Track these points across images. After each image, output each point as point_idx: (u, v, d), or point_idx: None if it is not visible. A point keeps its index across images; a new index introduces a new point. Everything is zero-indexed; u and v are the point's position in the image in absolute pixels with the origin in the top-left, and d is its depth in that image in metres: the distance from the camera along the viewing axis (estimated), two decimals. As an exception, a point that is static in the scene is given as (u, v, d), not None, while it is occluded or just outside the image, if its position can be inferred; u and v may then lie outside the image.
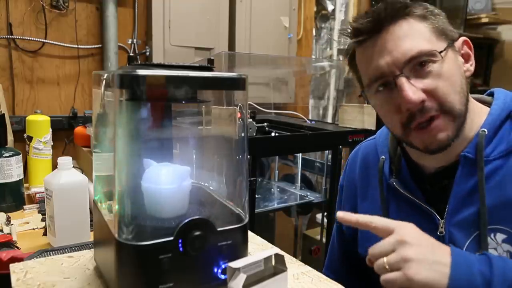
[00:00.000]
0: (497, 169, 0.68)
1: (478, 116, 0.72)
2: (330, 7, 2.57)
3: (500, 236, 0.66)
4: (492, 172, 0.68)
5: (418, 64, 0.66)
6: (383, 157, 0.82)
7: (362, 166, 0.88)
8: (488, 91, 0.79)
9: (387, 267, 0.59)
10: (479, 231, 0.67)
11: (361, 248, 0.85)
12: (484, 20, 2.81)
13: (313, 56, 2.59)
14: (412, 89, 0.66)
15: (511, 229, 0.65)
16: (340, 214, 0.65)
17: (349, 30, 0.72)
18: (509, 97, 0.74)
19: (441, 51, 0.67)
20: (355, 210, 0.88)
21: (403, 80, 0.66)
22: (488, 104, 0.75)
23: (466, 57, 0.73)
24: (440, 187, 0.74)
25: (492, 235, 0.67)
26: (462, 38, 0.73)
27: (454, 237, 0.70)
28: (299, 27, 2.41)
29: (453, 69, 0.68)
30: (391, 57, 0.67)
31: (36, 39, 1.68)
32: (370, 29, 0.69)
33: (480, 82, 3.04)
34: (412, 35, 0.67)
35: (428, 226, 0.72)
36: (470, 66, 0.73)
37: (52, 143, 1.39)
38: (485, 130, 0.69)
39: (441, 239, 0.71)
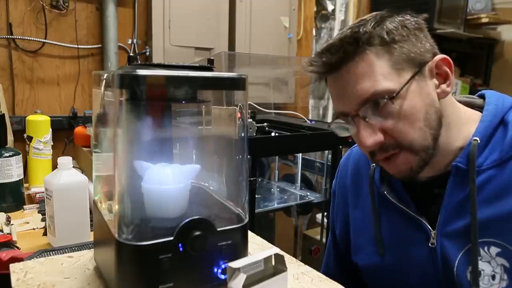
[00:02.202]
0: (490, 179, 0.65)
1: (467, 123, 0.69)
2: (330, 7, 2.57)
3: (494, 250, 0.64)
4: (485, 182, 0.65)
5: (375, 104, 0.64)
6: (374, 164, 0.80)
7: (353, 172, 0.87)
8: (479, 93, 0.77)
9: None
10: (470, 244, 0.65)
11: (354, 257, 0.84)
12: (484, 20, 2.81)
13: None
14: (367, 132, 0.65)
15: (505, 243, 0.63)
16: None
17: (313, 62, 0.68)
18: (501, 101, 0.70)
19: (399, 90, 0.63)
20: (347, 217, 0.87)
21: (359, 122, 0.65)
22: (479, 107, 0.72)
23: (444, 76, 0.68)
24: (432, 196, 0.72)
25: (485, 248, 0.65)
26: (438, 57, 0.67)
27: (446, 249, 0.68)
28: (299, 27, 2.41)
29: (415, 104, 0.64)
30: (347, 99, 0.66)
31: (36, 39, 1.68)
32: (328, 69, 0.66)
33: (480, 82, 3.04)
34: (369, 74, 0.63)
35: (420, 237, 0.71)
36: (447, 87, 0.68)
37: (52, 143, 1.39)
38: (477, 139, 0.67)
39: (432, 250, 0.70)
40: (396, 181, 0.76)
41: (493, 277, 0.65)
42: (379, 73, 0.63)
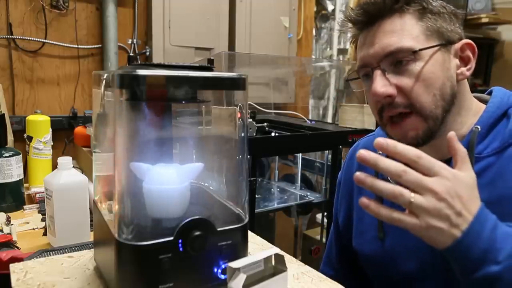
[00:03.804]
0: (489, 166, 0.68)
1: (475, 113, 0.72)
2: (330, 7, 2.57)
3: None
4: (485, 169, 0.68)
5: (397, 60, 0.67)
6: (380, 152, 0.81)
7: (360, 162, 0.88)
8: (489, 90, 0.79)
9: (409, 204, 0.53)
10: None
11: (355, 242, 0.86)
12: (484, 20, 2.81)
13: (313, 56, 2.59)
14: (382, 83, 0.68)
15: None
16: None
17: (348, 18, 0.74)
18: (507, 95, 0.74)
19: (421, 49, 0.67)
20: (351, 206, 0.89)
21: (377, 73, 0.69)
22: (486, 102, 0.75)
23: (466, 60, 0.72)
24: None
25: None
26: (464, 41, 0.71)
27: None
28: (299, 27, 2.41)
29: (435, 71, 0.67)
30: (373, 49, 0.69)
31: (36, 39, 1.68)
32: (363, 21, 0.71)
33: (480, 82, 3.04)
34: (400, 32, 0.68)
35: None
36: (467, 71, 0.71)
37: (52, 143, 1.39)
38: (478, 127, 0.70)
39: None
40: None
41: None
42: (409, 33, 0.67)
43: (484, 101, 0.76)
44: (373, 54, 0.69)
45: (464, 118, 0.72)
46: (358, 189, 0.87)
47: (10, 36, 1.63)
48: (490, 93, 0.78)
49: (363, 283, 0.89)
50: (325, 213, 1.84)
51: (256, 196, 1.60)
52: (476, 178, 0.67)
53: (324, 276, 0.68)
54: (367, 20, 0.71)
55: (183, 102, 0.60)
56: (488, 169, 0.68)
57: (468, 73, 0.71)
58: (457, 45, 0.71)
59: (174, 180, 0.58)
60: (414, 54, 0.66)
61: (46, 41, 1.70)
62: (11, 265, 0.66)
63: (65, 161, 0.92)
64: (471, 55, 0.72)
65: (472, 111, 0.73)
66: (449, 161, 0.71)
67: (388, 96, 0.68)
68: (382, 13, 0.69)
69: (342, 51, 2.62)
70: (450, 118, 0.70)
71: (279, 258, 0.56)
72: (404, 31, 0.68)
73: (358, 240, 0.85)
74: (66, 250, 0.82)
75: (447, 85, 0.69)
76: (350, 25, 0.74)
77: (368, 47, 0.70)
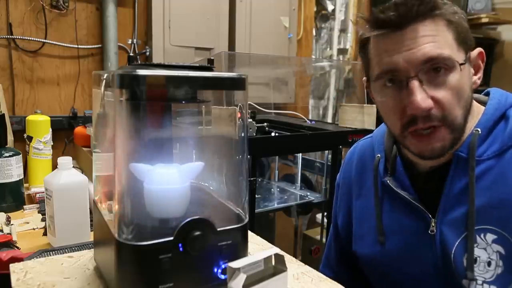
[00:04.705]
0: (489, 169, 0.68)
1: (474, 116, 0.72)
2: (330, 7, 2.57)
3: (490, 237, 0.66)
4: (485, 172, 0.68)
5: (434, 69, 0.64)
6: (379, 155, 0.82)
7: (358, 164, 0.88)
8: (485, 90, 0.79)
9: None
10: (466, 231, 0.67)
11: (355, 246, 0.86)
12: (484, 20, 2.81)
13: (313, 56, 2.59)
14: (422, 96, 0.64)
15: (501, 230, 0.65)
16: None
17: (371, 18, 0.68)
18: (504, 97, 0.73)
19: (461, 63, 0.65)
20: (349, 207, 0.89)
21: (415, 84, 0.64)
22: (484, 103, 0.75)
23: (477, 69, 0.71)
24: (434, 185, 0.73)
25: (482, 235, 0.67)
26: (477, 50, 0.71)
27: (445, 236, 0.70)
28: (299, 27, 2.41)
29: (465, 82, 0.67)
30: (409, 55, 0.64)
31: (36, 39, 1.68)
32: (395, 23, 0.65)
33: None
34: (436, 37, 0.64)
35: (420, 225, 0.73)
36: (478, 79, 0.71)
37: (52, 143, 1.39)
38: (479, 130, 0.69)
39: (432, 238, 0.71)
40: (399, 171, 0.77)
41: (489, 264, 0.66)
42: (445, 40, 0.65)
43: (481, 102, 0.76)
44: (409, 60, 0.64)
45: (468, 123, 0.71)
46: (357, 192, 0.87)
47: (10, 36, 1.63)
48: (486, 94, 0.78)
49: (362, 285, 0.89)
50: (325, 213, 1.84)
51: (256, 196, 1.59)
52: (477, 181, 0.67)
53: (324, 276, 0.68)
54: (399, 22, 0.65)
55: (183, 102, 0.60)
56: (488, 172, 0.68)
57: (479, 82, 0.71)
58: (474, 53, 0.70)
59: (174, 180, 0.58)
60: (452, 64, 0.64)
61: (46, 41, 1.70)
62: (11, 265, 0.66)
63: (65, 161, 0.92)
64: (481, 64, 0.71)
65: (473, 113, 0.73)
66: (446, 165, 0.72)
67: (430, 109, 0.65)
68: (416, 16, 0.64)
69: (342, 51, 2.62)
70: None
71: (279, 258, 0.56)
72: (440, 38, 0.64)
73: (358, 244, 0.85)
74: (66, 250, 0.82)
75: (470, 96, 0.69)
76: (369, 25, 0.68)
77: (401, 51, 0.65)
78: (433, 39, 0.64)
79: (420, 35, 0.64)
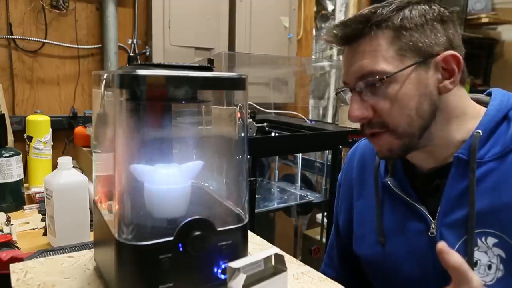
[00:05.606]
0: (491, 171, 0.67)
1: (474, 118, 0.71)
2: (330, 7, 2.57)
3: (491, 240, 0.66)
4: (486, 174, 0.67)
5: (371, 83, 0.67)
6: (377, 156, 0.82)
7: (359, 164, 0.88)
8: (487, 91, 0.78)
9: None
10: (467, 234, 0.67)
11: (356, 246, 0.86)
12: (484, 20, 2.80)
13: (313, 56, 2.59)
14: (357, 106, 0.69)
15: (502, 233, 0.65)
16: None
17: (330, 36, 0.73)
18: (507, 97, 0.72)
19: (393, 74, 0.65)
20: (351, 209, 0.89)
21: (353, 96, 0.70)
22: (486, 104, 0.74)
23: (450, 73, 0.68)
24: (434, 186, 0.73)
25: (483, 238, 0.66)
26: (447, 53, 0.67)
27: (445, 238, 0.69)
28: (299, 27, 2.41)
29: (409, 92, 0.66)
30: (349, 70, 0.70)
31: (36, 39, 1.68)
32: (343, 40, 0.71)
33: (480, 82, 3.04)
34: (372, 53, 0.67)
35: (420, 226, 0.73)
36: (450, 84, 0.68)
37: (52, 143, 1.39)
38: (480, 131, 0.68)
39: (432, 240, 0.71)
40: (400, 172, 0.77)
41: (489, 267, 0.66)
42: (382, 54, 0.66)
43: (483, 103, 0.75)
44: (348, 74, 0.70)
45: (457, 124, 0.70)
46: (358, 193, 0.87)
47: (10, 36, 1.63)
48: (488, 94, 0.77)
49: (365, 284, 0.89)
50: (325, 213, 1.84)
51: (256, 196, 1.60)
52: (478, 184, 0.67)
53: (324, 276, 0.68)
54: (345, 39, 0.70)
55: (183, 102, 0.60)
56: (490, 175, 0.67)
57: (451, 86, 0.68)
58: (439, 58, 0.67)
59: (174, 180, 0.58)
60: (385, 77, 0.65)
61: (46, 41, 1.70)
62: (11, 265, 0.66)
63: (65, 161, 0.92)
64: (455, 68, 0.67)
65: (469, 115, 0.71)
66: (446, 167, 0.71)
67: (364, 118, 0.69)
68: (355, 35, 0.68)
69: (342, 51, 2.62)
70: (435, 128, 0.69)
71: (279, 258, 0.56)
72: (376, 53, 0.66)
73: (358, 244, 0.85)
74: (66, 250, 0.82)
75: (425, 103, 0.67)
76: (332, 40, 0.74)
77: (346, 66, 0.71)
78: (371, 54, 0.67)
79: (360, 50, 0.68)
